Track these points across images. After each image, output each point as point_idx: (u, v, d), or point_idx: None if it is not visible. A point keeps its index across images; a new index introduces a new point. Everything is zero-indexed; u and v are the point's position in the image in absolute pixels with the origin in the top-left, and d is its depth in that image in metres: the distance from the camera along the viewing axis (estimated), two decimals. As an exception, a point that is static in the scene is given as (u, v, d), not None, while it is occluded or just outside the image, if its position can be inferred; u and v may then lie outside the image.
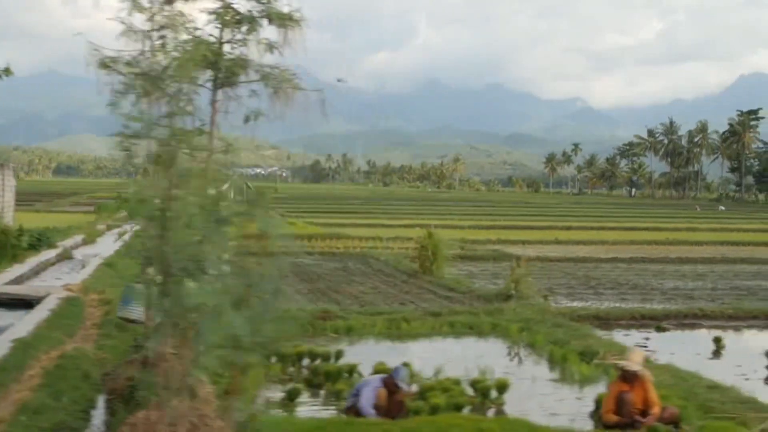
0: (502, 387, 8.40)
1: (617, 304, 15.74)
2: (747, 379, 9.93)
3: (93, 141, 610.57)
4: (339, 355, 9.77)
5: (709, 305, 15.40)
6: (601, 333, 12.97)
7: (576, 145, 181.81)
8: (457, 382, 8.48)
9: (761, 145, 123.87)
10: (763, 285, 19.73)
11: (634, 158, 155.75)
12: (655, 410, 6.90)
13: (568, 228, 42.80)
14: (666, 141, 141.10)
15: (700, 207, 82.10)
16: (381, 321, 12.36)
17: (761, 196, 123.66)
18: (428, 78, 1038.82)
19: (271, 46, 8.95)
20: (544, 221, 48.17)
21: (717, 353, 11.76)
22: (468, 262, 24.16)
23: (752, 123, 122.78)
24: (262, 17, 8.93)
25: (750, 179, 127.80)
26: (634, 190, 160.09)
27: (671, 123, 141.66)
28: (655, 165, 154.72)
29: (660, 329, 13.53)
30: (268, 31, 8.88)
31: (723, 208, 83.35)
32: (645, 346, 12.04)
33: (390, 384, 7.14)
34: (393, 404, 7.14)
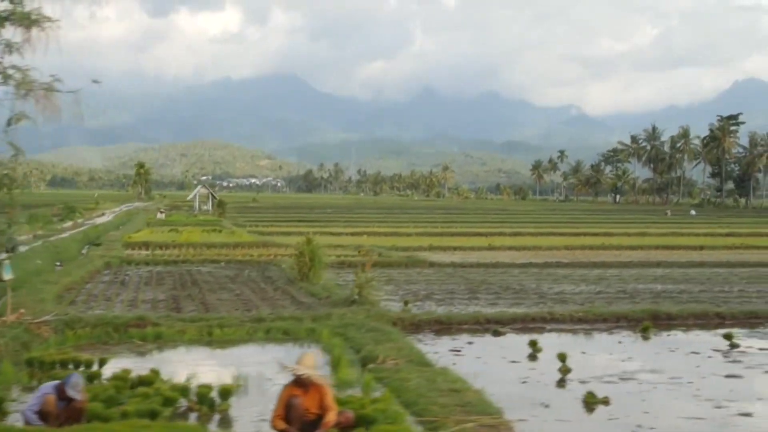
0: (225, 393, 8.21)
1: (482, 309, 15.52)
2: (538, 382, 9.76)
3: (88, 152, 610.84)
4: (103, 362, 9.57)
5: (561, 309, 15.21)
6: (428, 338, 12.84)
7: (562, 152, 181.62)
8: (184, 389, 8.29)
9: (741, 150, 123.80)
10: (651, 288, 19.55)
11: (619, 164, 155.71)
12: (330, 416, 6.70)
13: (516, 234, 42.64)
14: (648, 147, 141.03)
15: (672, 212, 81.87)
16: (193, 328, 12.17)
17: (742, 201, 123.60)
18: (423, 86, 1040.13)
19: (10, 47, 8.81)
20: (495, 228, 47.97)
21: (533, 357, 11.57)
22: (377, 269, 24.00)
23: (732, 128, 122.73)
24: (5, 18, 8.80)
25: (731, 184, 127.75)
26: (618, 196, 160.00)
27: (654, 129, 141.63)
28: (640, 171, 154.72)
29: (497, 333, 13.36)
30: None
31: (694, 212, 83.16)
32: (459, 350, 11.88)
33: (62, 391, 6.97)
34: (70, 411, 6.97)
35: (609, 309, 15.16)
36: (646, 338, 13.18)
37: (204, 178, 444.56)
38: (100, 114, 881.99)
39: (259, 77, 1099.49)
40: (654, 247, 33.64)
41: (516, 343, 12.46)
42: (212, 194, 66.43)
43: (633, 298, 17.58)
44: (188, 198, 77.32)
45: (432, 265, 25.07)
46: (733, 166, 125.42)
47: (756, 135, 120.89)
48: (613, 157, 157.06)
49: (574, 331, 13.67)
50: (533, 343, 11.78)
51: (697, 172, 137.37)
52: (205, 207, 65.21)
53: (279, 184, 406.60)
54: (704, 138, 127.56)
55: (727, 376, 10.22)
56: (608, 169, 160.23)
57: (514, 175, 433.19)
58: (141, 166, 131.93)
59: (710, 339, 12.92)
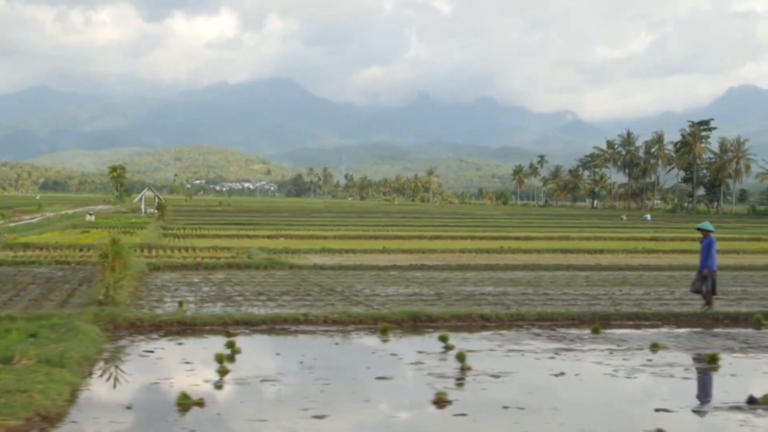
0: None
1: (257, 310, 15.13)
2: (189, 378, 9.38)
3: (83, 157, 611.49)
4: None
5: (317, 311, 14.82)
6: (152, 339, 12.44)
7: (542, 157, 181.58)
8: None
9: (712, 156, 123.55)
10: (480, 290, 19.13)
11: (596, 170, 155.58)
12: None
13: (436, 237, 42.28)
14: (624, 152, 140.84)
15: (627, 217, 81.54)
16: None
17: (713, 207, 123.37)
18: (419, 92, 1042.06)
19: None
20: (426, 231, 47.71)
21: (231, 357, 11.16)
22: (233, 270, 23.67)
23: (703, 134, 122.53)
24: None
25: (702, 190, 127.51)
26: (596, 201, 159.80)
27: (629, 134, 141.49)
28: (617, 176, 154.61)
29: (229, 334, 12.97)
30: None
31: (649, 217, 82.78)
32: (152, 351, 11.48)
33: None
34: None
35: (369, 311, 14.77)
36: (385, 340, 12.78)
37: (198, 182, 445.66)
38: (96, 118, 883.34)
39: (255, 82, 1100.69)
40: (552, 251, 33.28)
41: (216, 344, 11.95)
42: (158, 197, 66.31)
43: (442, 300, 17.19)
44: (134, 201, 77.70)
45: (292, 267, 24.68)
46: (704, 171, 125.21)
47: (726, 141, 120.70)
48: (590, 162, 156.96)
49: (316, 333, 13.25)
50: (230, 344, 11.39)
51: (671, 178, 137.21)
52: (151, 210, 65.50)
53: (272, 189, 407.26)
54: (677, 143, 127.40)
55: (378, 378, 9.83)
56: (586, 174, 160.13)
57: (508, 180, 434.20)
58: (114, 169, 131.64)
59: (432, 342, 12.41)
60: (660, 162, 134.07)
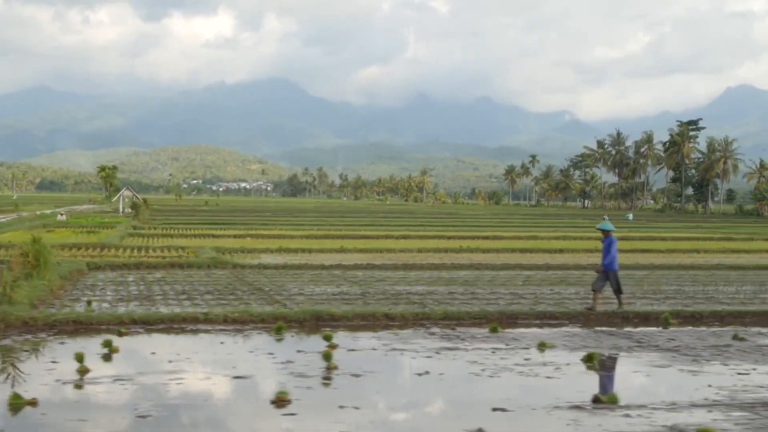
0: None
1: (168, 310, 15.01)
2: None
3: (80, 156, 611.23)
4: None
5: (217, 310, 14.70)
6: (39, 338, 12.33)
7: (533, 157, 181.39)
8: None
9: (700, 156, 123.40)
10: (418, 290, 19.00)
11: (587, 169, 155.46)
12: None
13: (405, 237, 42.18)
14: (613, 152, 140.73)
15: (609, 216, 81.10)
16: None
17: (700, 207, 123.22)
18: (417, 92, 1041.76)
19: None
20: (394, 231, 47.61)
21: (107, 357, 11.04)
22: (174, 269, 23.56)
23: (692, 134, 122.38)
24: None
25: (691, 190, 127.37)
26: (587, 201, 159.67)
27: (618, 134, 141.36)
28: (607, 176, 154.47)
29: (120, 333, 12.85)
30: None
31: (631, 216, 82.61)
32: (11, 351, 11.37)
33: None
34: None
35: (272, 310, 14.65)
36: (279, 339, 12.66)
37: (195, 182, 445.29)
38: (95, 118, 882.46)
39: (253, 82, 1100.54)
40: (512, 250, 33.19)
41: (92, 343, 11.81)
42: (136, 196, 66.26)
43: (364, 299, 17.08)
44: (113, 200, 77.81)
45: (235, 266, 24.57)
46: (693, 171, 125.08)
47: (714, 140, 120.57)
48: (581, 162, 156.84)
49: (211, 332, 13.12)
50: (107, 344, 11.27)
51: (661, 178, 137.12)
52: (128, 210, 65.51)
53: (268, 189, 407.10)
54: (665, 143, 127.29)
55: (235, 377, 9.72)
56: (577, 174, 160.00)
57: (505, 180, 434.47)
58: (102, 168, 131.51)
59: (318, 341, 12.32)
60: (649, 162, 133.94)
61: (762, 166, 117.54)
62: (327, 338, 11.89)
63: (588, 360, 10.84)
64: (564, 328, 13.91)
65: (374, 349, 11.69)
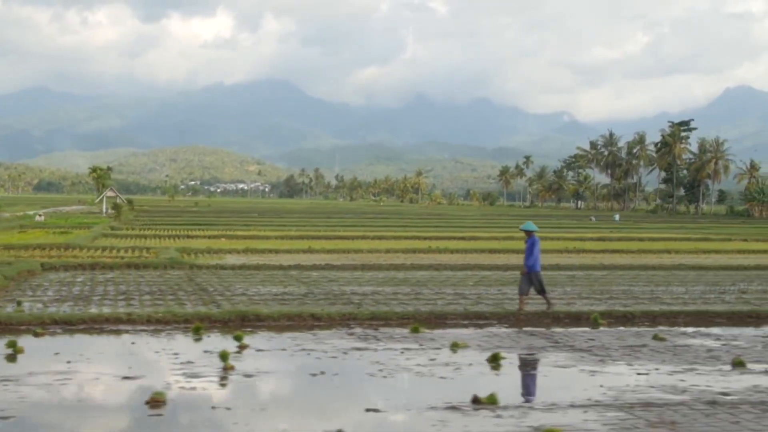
0: None
1: (106, 310, 14.93)
2: None
3: (78, 157, 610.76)
4: None
5: (147, 310, 14.63)
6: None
7: (527, 158, 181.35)
8: None
9: (692, 156, 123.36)
10: (364, 290, 18.94)
11: (580, 170, 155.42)
12: None
13: (378, 238, 42.13)
14: (606, 153, 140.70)
15: (596, 218, 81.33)
16: None
17: (692, 208, 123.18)
18: (415, 92, 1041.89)
19: None
20: (374, 231, 47.57)
21: (12, 357, 10.97)
22: (129, 270, 23.49)
23: (683, 134, 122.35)
24: None
25: (683, 190, 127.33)
26: (580, 202, 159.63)
27: (611, 134, 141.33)
28: (600, 177, 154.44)
29: (36, 334, 12.78)
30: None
31: (617, 217, 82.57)
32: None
33: None
34: None
35: (196, 311, 14.57)
36: (197, 340, 12.58)
37: (192, 182, 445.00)
38: (93, 119, 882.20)
39: (252, 83, 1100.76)
40: (481, 251, 33.13)
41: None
42: (119, 197, 66.24)
43: (305, 299, 17.02)
44: (96, 201, 77.88)
45: (192, 267, 24.47)
46: (685, 172, 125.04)
47: (705, 141, 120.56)
48: (574, 163, 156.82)
49: (129, 332, 13.03)
50: (12, 344, 11.18)
51: (653, 178, 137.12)
52: (111, 210, 65.53)
53: (265, 189, 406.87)
54: (657, 144, 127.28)
55: (124, 378, 9.64)
56: (570, 175, 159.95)
57: (500, 181, 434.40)
58: (94, 170, 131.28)
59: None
60: (642, 163, 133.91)
61: (752, 166, 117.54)
62: (238, 338, 11.80)
63: (492, 360, 10.76)
64: (490, 329, 13.82)
65: (283, 350, 11.60)
